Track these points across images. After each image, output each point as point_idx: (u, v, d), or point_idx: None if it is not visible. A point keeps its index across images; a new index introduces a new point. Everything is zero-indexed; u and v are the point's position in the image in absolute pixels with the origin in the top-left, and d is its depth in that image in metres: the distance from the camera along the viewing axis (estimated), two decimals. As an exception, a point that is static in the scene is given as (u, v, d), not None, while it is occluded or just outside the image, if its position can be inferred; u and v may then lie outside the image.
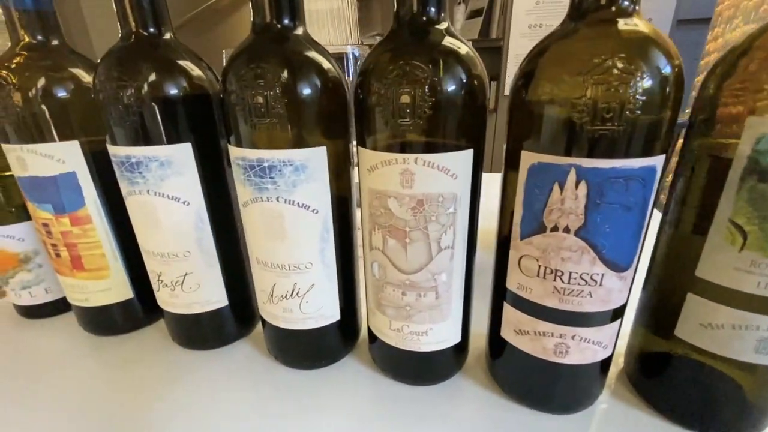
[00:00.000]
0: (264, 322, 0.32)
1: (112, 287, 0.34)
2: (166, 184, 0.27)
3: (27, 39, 0.29)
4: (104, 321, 0.36)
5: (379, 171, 0.24)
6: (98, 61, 0.27)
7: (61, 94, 0.29)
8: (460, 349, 0.30)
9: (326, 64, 0.25)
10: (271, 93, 0.23)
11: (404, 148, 0.23)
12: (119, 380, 0.32)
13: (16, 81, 0.28)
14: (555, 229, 0.22)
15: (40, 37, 0.29)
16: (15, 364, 0.34)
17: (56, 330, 0.38)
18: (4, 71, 0.28)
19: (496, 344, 0.29)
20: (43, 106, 0.29)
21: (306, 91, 0.24)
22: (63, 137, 0.30)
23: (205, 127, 0.28)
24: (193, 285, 0.31)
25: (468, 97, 0.22)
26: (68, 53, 0.30)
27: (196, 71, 0.28)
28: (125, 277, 0.35)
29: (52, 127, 0.29)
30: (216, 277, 0.32)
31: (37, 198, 0.30)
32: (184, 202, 0.28)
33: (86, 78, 0.30)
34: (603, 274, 0.22)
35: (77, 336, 0.37)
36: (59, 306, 0.40)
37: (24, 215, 0.36)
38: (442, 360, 0.29)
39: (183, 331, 0.34)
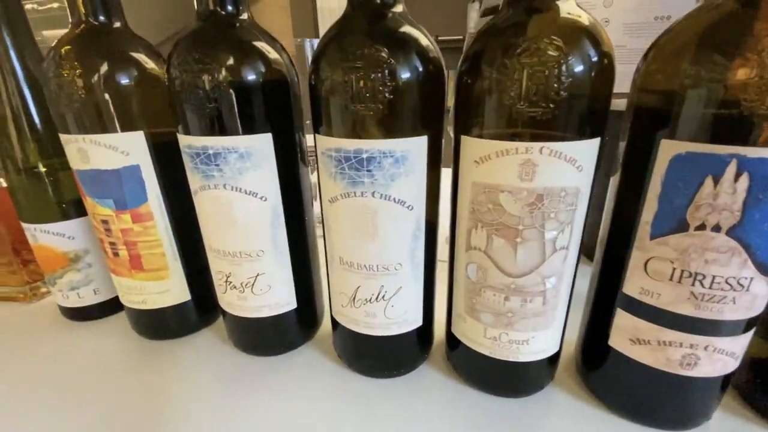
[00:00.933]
0: (336, 326, 0.30)
1: (171, 289, 0.32)
2: (244, 177, 0.25)
3: (88, 19, 0.27)
4: (160, 324, 0.34)
5: (491, 162, 0.21)
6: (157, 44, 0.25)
7: (126, 80, 0.27)
8: (555, 358, 0.27)
9: (425, 41, 0.23)
10: (380, 77, 0.21)
11: (523, 136, 0.20)
12: (175, 387, 0.30)
13: (78, 65, 0.26)
14: (701, 227, 0.19)
15: (102, 18, 0.27)
16: (63, 369, 0.32)
17: (105, 333, 0.36)
18: (65, 54, 0.26)
19: (597, 354, 0.26)
20: (107, 94, 0.26)
21: (411, 76, 0.22)
22: (126, 127, 0.27)
23: (283, 115, 0.26)
24: (264, 287, 0.29)
25: (598, 80, 0.20)
26: (130, 36, 0.28)
27: (274, 55, 0.26)
28: (183, 279, 0.33)
29: (115, 117, 0.27)
30: (287, 278, 0.29)
31: (98, 193, 0.28)
32: (261, 198, 0.26)
33: (150, 63, 0.28)
34: (752, 279, 0.20)
35: (128, 339, 0.35)
36: (107, 308, 0.38)
37: (74, 211, 0.34)
38: (537, 370, 0.27)
39: (248, 335, 0.32)
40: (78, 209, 0.34)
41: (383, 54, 0.21)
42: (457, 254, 0.26)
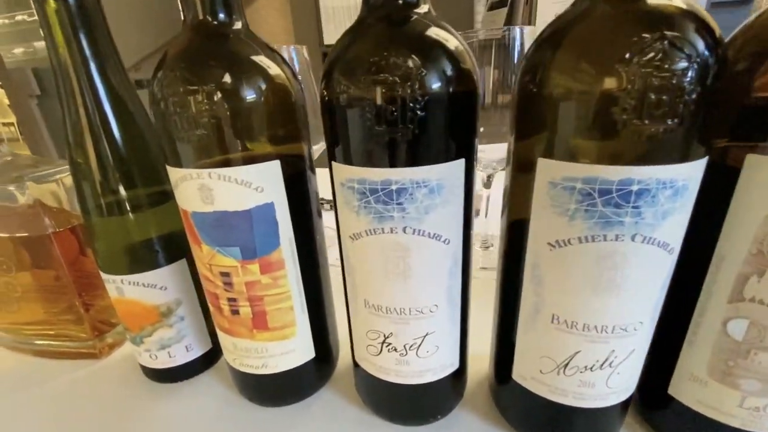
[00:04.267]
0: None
1: (297, 348, 0.26)
2: (429, 217, 0.19)
3: (205, 18, 0.21)
4: (278, 389, 0.28)
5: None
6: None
7: (256, 96, 0.21)
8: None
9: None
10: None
11: None
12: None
13: (204, 80, 0.20)
14: None
15: (222, 16, 0.21)
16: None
17: (202, 396, 0.30)
18: (185, 66, 0.20)
19: None
20: (241, 116, 0.21)
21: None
22: (260, 157, 0.21)
23: (472, 137, 0.20)
24: (432, 348, 0.23)
25: None
26: (252, 39, 0.22)
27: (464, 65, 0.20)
28: (310, 335, 0.27)
29: (248, 144, 0.21)
30: (456, 335, 0.24)
31: (221, 240, 0.22)
32: (444, 241, 0.20)
33: (282, 75, 0.22)
34: None
35: (232, 405, 0.29)
36: (196, 366, 0.32)
37: (165, 257, 0.28)
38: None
39: (399, 404, 0.26)
40: (169, 254, 0.28)
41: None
42: (706, 305, 0.20)
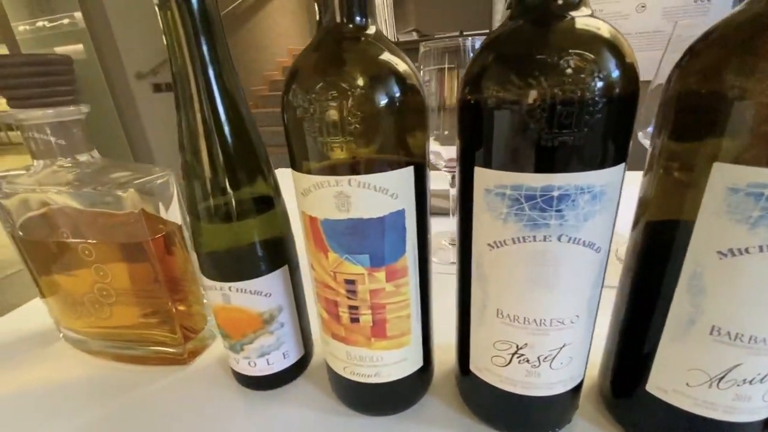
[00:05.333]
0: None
1: (409, 357, 0.26)
2: (587, 224, 0.19)
3: (343, 22, 0.20)
4: (384, 398, 0.27)
5: None
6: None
7: (398, 101, 0.20)
8: None
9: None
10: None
11: None
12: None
13: (344, 84, 0.19)
14: None
15: (358, 19, 0.21)
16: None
17: (301, 404, 0.30)
18: (323, 70, 0.20)
19: None
20: (383, 121, 0.20)
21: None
22: (393, 163, 0.21)
23: (629, 138, 0.20)
24: (565, 359, 0.22)
25: None
26: (387, 43, 0.22)
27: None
28: (421, 344, 0.26)
29: (385, 150, 0.21)
30: (587, 346, 0.23)
31: (352, 248, 0.22)
32: (596, 249, 0.19)
33: (414, 77, 0.22)
34: None
35: (330, 412, 0.29)
36: (288, 374, 0.31)
37: (269, 264, 0.28)
38: None
39: (519, 415, 0.25)
40: (273, 261, 0.28)
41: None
42: None
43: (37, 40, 3.08)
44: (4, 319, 0.44)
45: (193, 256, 0.30)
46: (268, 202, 0.28)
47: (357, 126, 0.19)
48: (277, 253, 0.28)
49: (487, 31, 2.33)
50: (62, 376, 0.35)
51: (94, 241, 0.31)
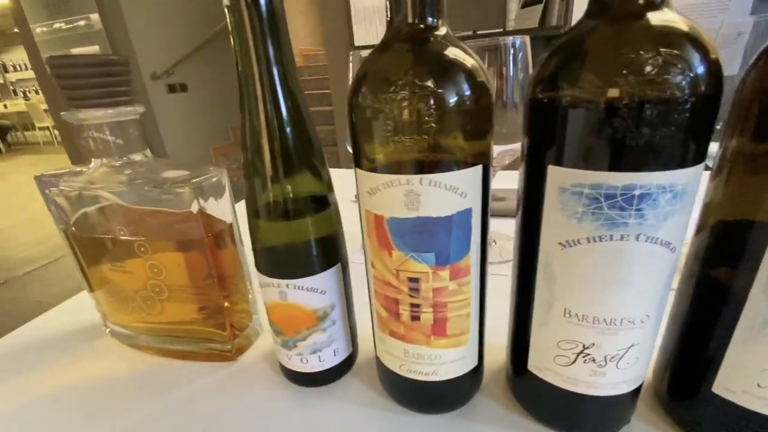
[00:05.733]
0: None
1: (466, 356, 0.26)
2: (666, 224, 0.19)
3: (414, 22, 0.21)
4: (443, 396, 0.28)
5: None
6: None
7: (471, 100, 0.20)
8: None
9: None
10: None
11: None
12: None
13: (421, 84, 0.19)
14: None
15: (430, 20, 0.21)
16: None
17: (352, 401, 0.30)
18: (399, 70, 0.20)
19: None
20: (453, 118, 0.20)
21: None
22: (461, 162, 0.21)
23: (710, 137, 0.19)
24: (632, 359, 0.22)
25: None
26: (456, 42, 0.22)
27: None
28: (477, 343, 0.26)
29: (455, 148, 0.21)
30: (653, 346, 0.23)
31: (418, 246, 0.22)
32: (672, 249, 0.19)
33: (483, 76, 0.22)
34: None
35: (381, 408, 0.29)
36: (340, 370, 0.32)
37: (325, 261, 0.28)
38: None
39: (583, 415, 0.25)
40: (328, 258, 0.28)
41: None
42: None
43: (54, 41, 3.14)
44: (51, 313, 0.45)
45: (246, 254, 0.31)
46: (324, 201, 0.28)
47: (433, 125, 0.20)
48: (331, 251, 0.28)
49: (501, 30, 2.31)
50: (109, 372, 0.36)
51: (150, 239, 0.31)
